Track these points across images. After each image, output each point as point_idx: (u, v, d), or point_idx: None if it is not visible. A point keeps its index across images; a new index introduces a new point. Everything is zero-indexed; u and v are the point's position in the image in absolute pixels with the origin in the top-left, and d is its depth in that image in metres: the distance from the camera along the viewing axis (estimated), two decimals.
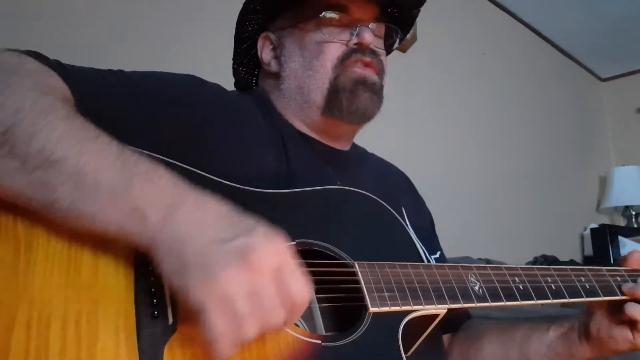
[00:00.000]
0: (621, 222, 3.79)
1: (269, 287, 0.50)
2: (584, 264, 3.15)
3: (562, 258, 2.83)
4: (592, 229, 3.18)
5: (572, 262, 2.88)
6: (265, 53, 0.93)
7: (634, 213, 3.66)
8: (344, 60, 0.86)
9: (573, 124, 3.83)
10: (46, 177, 0.52)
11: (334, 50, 0.86)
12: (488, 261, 2.21)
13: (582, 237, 3.49)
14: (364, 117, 0.87)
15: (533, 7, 3.25)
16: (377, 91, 0.87)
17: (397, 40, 0.97)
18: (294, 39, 0.90)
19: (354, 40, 0.86)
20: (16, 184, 0.53)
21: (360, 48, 0.86)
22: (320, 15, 0.86)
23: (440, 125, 2.69)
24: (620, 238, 3.08)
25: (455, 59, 2.86)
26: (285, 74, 0.90)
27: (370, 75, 0.86)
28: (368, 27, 0.88)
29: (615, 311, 0.83)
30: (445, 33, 2.82)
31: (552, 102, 3.61)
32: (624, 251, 3.04)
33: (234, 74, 1.02)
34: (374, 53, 0.88)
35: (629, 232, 3.31)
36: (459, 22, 2.93)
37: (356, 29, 0.87)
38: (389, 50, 0.98)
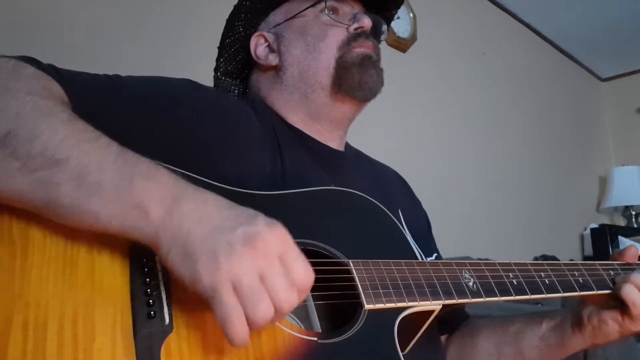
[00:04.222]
0: (621, 222, 3.80)
1: (278, 270, 0.52)
2: None
3: (562, 258, 2.83)
4: (592, 229, 3.18)
5: None
6: (259, 50, 0.94)
7: (634, 213, 3.66)
8: (349, 42, 0.89)
9: (573, 124, 3.84)
10: (48, 176, 0.53)
11: (338, 33, 0.89)
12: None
13: (582, 237, 3.49)
14: (371, 92, 0.90)
15: (533, 7, 3.25)
16: (380, 70, 0.91)
17: (385, 34, 1.00)
18: (294, 29, 0.91)
19: (355, 25, 0.90)
20: (18, 184, 0.53)
21: (363, 32, 0.90)
22: (322, 1, 0.89)
23: (439, 125, 2.70)
24: (620, 238, 3.08)
25: (455, 59, 2.86)
26: (287, 63, 0.91)
27: (372, 53, 0.90)
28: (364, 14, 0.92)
29: (608, 300, 0.84)
30: (445, 33, 2.82)
31: (552, 102, 3.61)
32: None
33: (216, 84, 1.02)
34: (374, 37, 0.92)
35: (629, 232, 3.31)
36: (459, 22, 2.93)
37: (354, 15, 0.91)
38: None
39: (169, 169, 0.58)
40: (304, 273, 0.53)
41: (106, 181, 0.53)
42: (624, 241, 3.08)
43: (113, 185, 0.53)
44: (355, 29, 0.90)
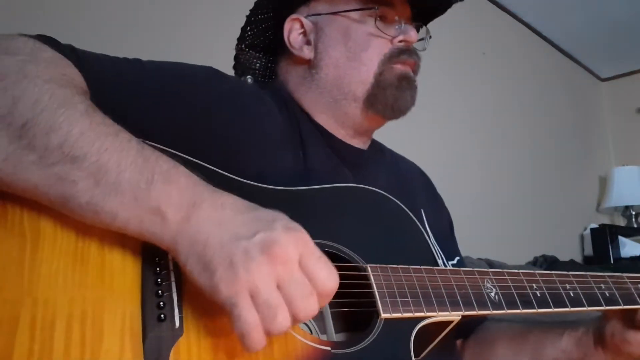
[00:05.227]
0: (621, 222, 3.79)
1: (297, 277, 0.51)
2: (584, 264, 3.16)
3: (562, 258, 2.83)
4: (592, 229, 3.18)
5: (572, 262, 2.88)
6: (293, 37, 0.89)
7: (634, 213, 3.65)
8: (391, 58, 0.86)
9: (573, 124, 3.83)
10: (65, 172, 0.51)
11: (382, 45, 0.86)
12: (488, 261, 2.20)
13: (582, 237, 3.48)
14: (401, 113, 0.88)
15: (533, 7, 3.25)
16: (415, 89, 0.88)
17: (427, 41, 0.97)
18: (336, 27, 0.87)
19: (400, 37, 0.87)
20: (33, 178, 0.52)
21: (406, 47, 0.87)
22: (373, 8, 0.86)
23: (439, 125, 2.69)
24: (620, 238, 3.09)
25: (455, 59, 2.85)
26: (323, 63, 0.87)
27: (411, 72, 0.88)
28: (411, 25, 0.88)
29: (631, 316, 0.82)
30: (445, 33, 2.81)
31: (552, 102, 3.60)
32: (624, 251, 3.04)
33: (238, 55, 0.97)
34: (416, 54, 0.89)
35: (629, 232, 3.31)
36: (459, 22, 2.92)
37: (401, 25, 0.87)
38: None
39: (188, 164, 0.57)
40: (325, 278, 0.52)
41: (124, 181, 0.52)
42: (623, 241, 3.08)
43: (131, 185, 0.52)
44: (400, 41, 0.86)
